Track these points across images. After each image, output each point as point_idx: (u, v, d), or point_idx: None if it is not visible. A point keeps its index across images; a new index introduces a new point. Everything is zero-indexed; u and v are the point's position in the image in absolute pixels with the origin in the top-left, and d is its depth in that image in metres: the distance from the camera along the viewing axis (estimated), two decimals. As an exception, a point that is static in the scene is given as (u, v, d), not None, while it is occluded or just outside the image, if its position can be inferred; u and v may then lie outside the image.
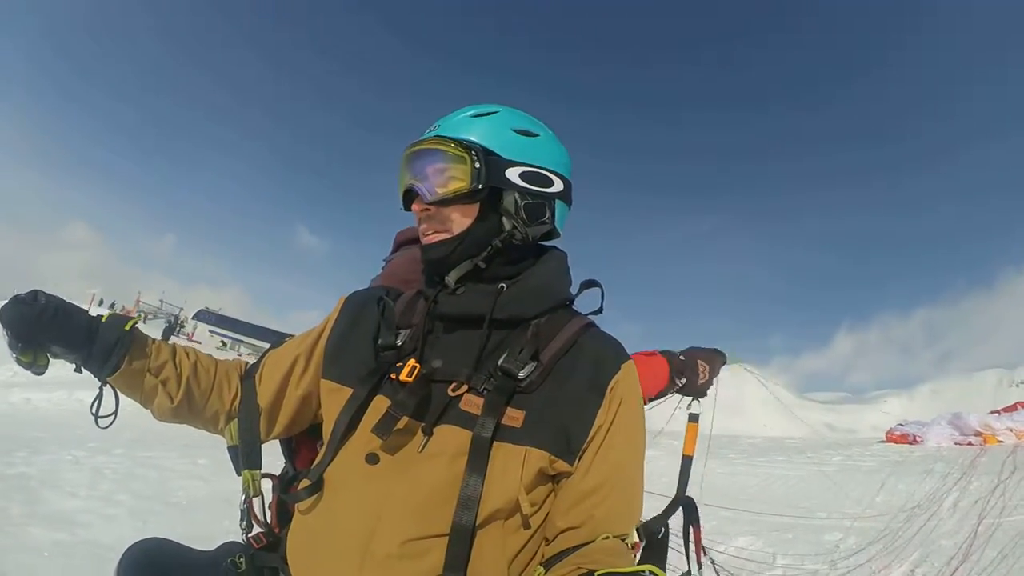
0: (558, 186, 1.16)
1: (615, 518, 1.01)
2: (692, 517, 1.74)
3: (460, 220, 1.11)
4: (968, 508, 7.09)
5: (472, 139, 1.10)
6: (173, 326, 34.14)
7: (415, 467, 0.99)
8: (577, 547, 0.97)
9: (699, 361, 2.00)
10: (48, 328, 1.06)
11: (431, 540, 0.94)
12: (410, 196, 1.14)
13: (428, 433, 1.01)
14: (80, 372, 1.15)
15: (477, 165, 1.08)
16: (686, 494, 1.83)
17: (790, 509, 7.46)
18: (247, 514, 1.22)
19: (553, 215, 1.17)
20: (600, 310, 1.25)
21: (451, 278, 1.13)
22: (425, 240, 1.14)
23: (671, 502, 1.79)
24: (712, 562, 2.04)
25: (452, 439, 1.00)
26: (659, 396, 1.93)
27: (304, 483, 1.06)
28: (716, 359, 2.07)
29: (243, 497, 1.23)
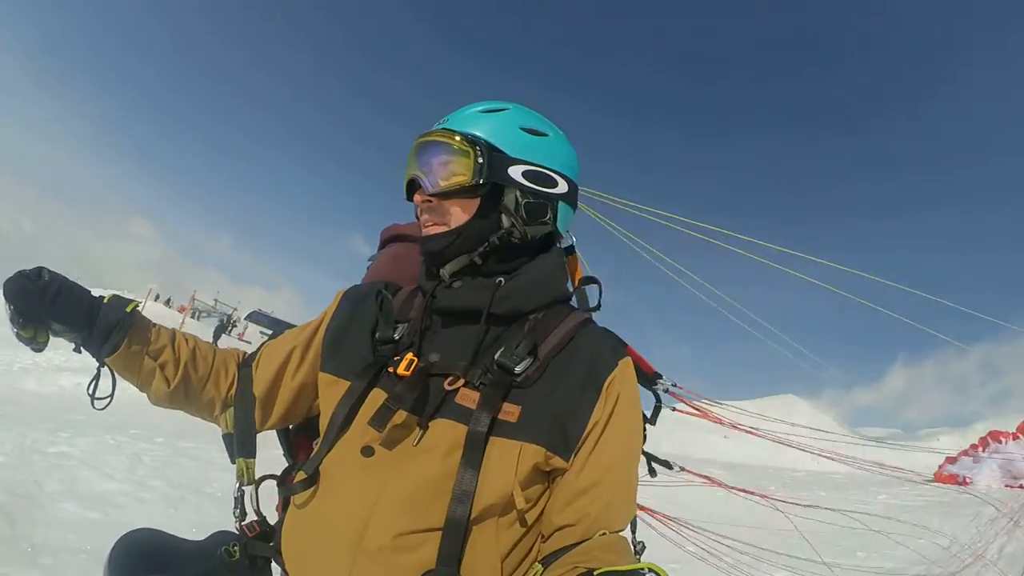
0: (562, 187, 1.16)
1: (611, 515, 1.01)
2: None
3: (459, 214, 1.11)
4: (1014, 555, 6.73)
5: (478, 134, 1.11)
6: (225, 325, 35.04)
7: (410, 460, 0.99)
8: (574, 544, 0.96)
9: None
10: (51, 305, 1.08)
11: (424, 534, 0.94)
12: (413, 187, 1.16)
13: (423, 427, 1.01)
14: (79, 352, 1.17)
15: (480, 160, 1.08)
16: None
17: (828, 547, 7.14)
18: (240, 502, 1.22)
19: (555, 216, 1.17)
20: (598, 306, 1.26)
21: (446, 271, 1.13)
22: (424, 232, 1.15)
23: None
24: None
25: (447, 433, 0.99)
26: None
27: (300, 476, 1.06)
28: None
29: (237, 484, 1.22)
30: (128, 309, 1.16)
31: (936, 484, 14.09)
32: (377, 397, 1.05)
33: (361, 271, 1.61)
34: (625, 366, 1.10)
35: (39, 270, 1.09)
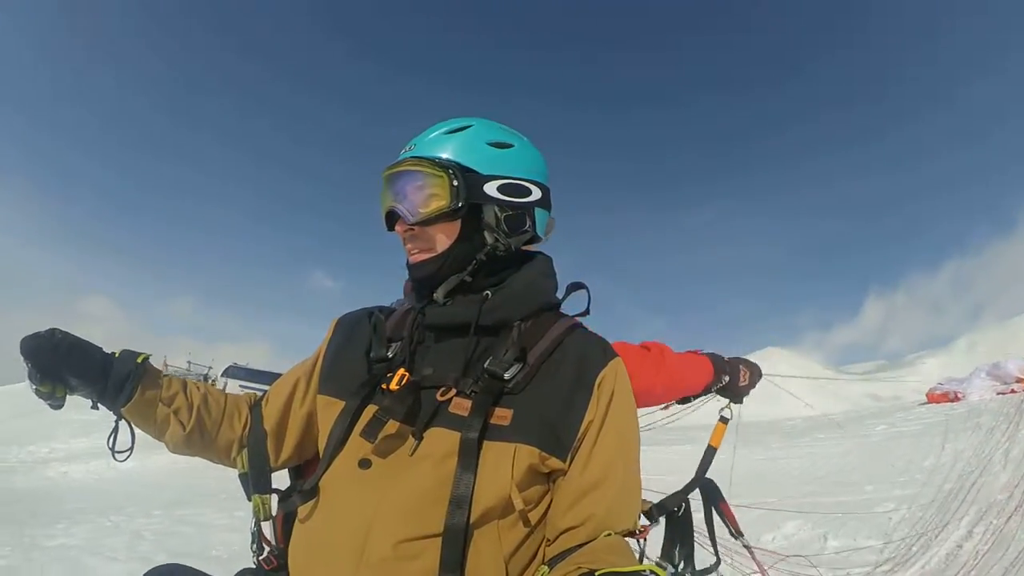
0: (536, 195, 1.18)
1: (616, 514, 1.02)
2: (713, 497, 1.73)
3: (443, 239, 1.13)
4: (1020, 458, 6.88)
5: (448, 157, 1.12)
6: (203, 385, 33.95)
7: (406, 470, 1.00)
8: (580, 545, 0.97)
9: (741, 367, 2.08)
10: (65, 360, 1.11)
11: (425, 541, 0.95)
12: (392, 217, 1.16)
13: (418, 437, 1.02)
14: (96, 408, 1.19)
15: (455, 183, 1.09)
16: (706, 476, 1.82)
17: (836, 487, 7.28)
18: (257, 536, 1.24)
19: (534, 223, 1.19)
20: (587, 312, 1.26)
21: (439, 293, 1.15)
22: (411, 259, 1.16)
23: (689, 482, 1.78)
24: (747, 547, 1.97)
25: (441, 441, 1.01)
26: (703, 392, 1.99)
27: (300, 491, 1.09)
28: (756, 369, 2.16)
29: (253, 520, 1.23)
30: (139, 360, 1.19)
31: (930, 404, 14.48)
32: (371, 413, 1.07)
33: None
34: (616, 365, 1.12)
35: (52, 330, 1.13)
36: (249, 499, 1.24)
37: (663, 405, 1.95)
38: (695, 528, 1.74)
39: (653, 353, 1.76)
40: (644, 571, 0.81)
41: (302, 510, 1.08)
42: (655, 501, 1.67)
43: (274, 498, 1.24)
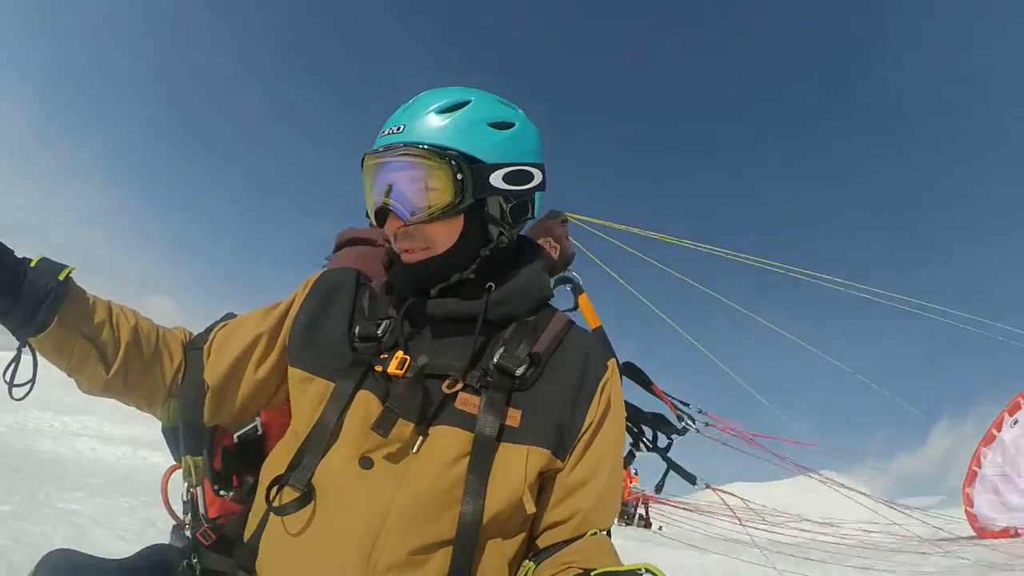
0: (538, 179, 1.09)
1: (601, 510, 1.02)
2: (642, 379, 1.75)
3: (444, 237, 1.02)
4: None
5: (448, 144, 1.00)
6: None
7: (414, 471, 0.93)
8: (565, 542, 0.98)
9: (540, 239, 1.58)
10: None
11: (436, 546, 0.90)
12: (383, 212, 1.04)
13: (424, 433, 0.96)
14: None
15: (460, 176, 0.99)
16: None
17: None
18: (191, 506, 1.12)
19: (534, 208, 1.13)
20: (575, 307, 1.29)
21: (435, 291, 1.05)
22: (407, 259, 1.05)
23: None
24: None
25: (452, 441, 0.95)
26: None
27: (290, 492, 0.94)
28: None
29: (185, 486, 1.12)
30: (61, 276, 0.96)
31: (987, 542, 13.18)
32: (366, 400, 0.98)
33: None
34: (614, 366, 1.11)
35: None
36: (177, 460, 1.12)
37: None
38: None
39: None
40: (639, 570, 0.80)
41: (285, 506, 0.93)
42: None
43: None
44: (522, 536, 1.00)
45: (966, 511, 13.23)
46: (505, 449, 0.95)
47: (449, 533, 0.90)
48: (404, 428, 0.95)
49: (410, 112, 1.04)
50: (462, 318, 1.04)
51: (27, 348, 0.97)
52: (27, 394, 0.98)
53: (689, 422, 2.10)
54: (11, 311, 0.91)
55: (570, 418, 1.01)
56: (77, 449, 10.66)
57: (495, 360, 1.01)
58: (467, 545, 0.90)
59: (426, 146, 0.99)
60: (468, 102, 1.04)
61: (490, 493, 0.92)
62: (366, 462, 0.94)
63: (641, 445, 1.86)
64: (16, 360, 0.96)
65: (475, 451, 0.93)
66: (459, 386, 0.99)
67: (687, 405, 2.11)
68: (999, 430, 12.88)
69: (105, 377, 1.02)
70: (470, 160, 1.01)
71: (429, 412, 0.96)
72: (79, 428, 13.01)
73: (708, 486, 2.28)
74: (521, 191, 1.06)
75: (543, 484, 1.02)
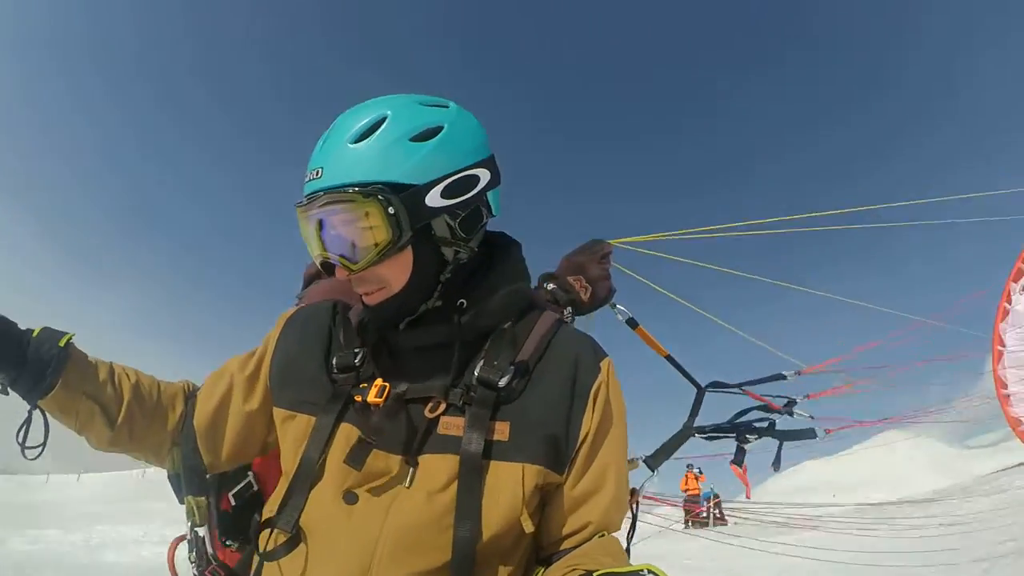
0: (484, 177, 1.00)
1: (609, 517, 1.00)
2: (729, 388, 2.12)
3: (397, 274, 0.97)
4: None
5: (371, 179, 0.92)
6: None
7: (400, 503, 0.92)
8: (573, 547, 0.97)
9: (570, 277, 1.74)
10: None
11: (432, 573, 0.89)
12: (328, 264, 1.00)
13: (413, 464, 0.93)
14: (6, 394, 1.03)
15: (391, 211, 0.91)
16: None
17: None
18: (195, 545, 1.14)
19: (489, 208, 1.06)
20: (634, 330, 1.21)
21: (404, 324, 1.04)
22: (367, 300, 1.01)
23: (679, 432, 2.03)
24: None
25: (439, 468, 0.93)
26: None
27: (279, 535, 0.94)
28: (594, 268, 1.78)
29: (189, 525, 1.14)
30: (62, 343, 1.02)
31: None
32: (348, 432, 0.97)
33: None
34: (608, 367, 1.04)
35: None
36: (181, 502, 1.15)
37: None
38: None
39: None
40: (641, 571, 0.79)
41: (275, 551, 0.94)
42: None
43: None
44: (521, 553, 0.98)
45: (1006, 414, 11.80)
46: (497, 467, 0.92)
47: (445, 558, 0.88)
48: (388, 460, 0.94)
49: (327, 149, 0.97)
50: (440, 344, 1.00)
51: (38, 411, 1.03)
52: (39, 455, 1.05)
53: (788, 407, 2.37)
54: (19, 379, 0.99)
55: (565, 429, 0.97)
56: (142, 555, 10.74)
57: (476, 374, 0.97)
58: (465, 569, 0.88)
59: (350, 189, 0.92)
60: (383, 119, 0.95)
61: (486, 513, 0.90)
62: (350, 497, 0.93)
63: (748, 438, 2.10)
64: (27, 423, 1.03)
65: (463, 471, 0.90)
66: (442, 408, 0.95)
67: (782, 399, 2.41)
68: (1009, 302, 11.81)
69: (111, 433, 1.07)
70: (399, 188, 0.92)
71: (414, 441, 0.94)
72: (141, 536, 13.07)
73: (827, 431, 2.45)
74: (466, 200, 0.98)
75: (546, 498, 1.00)
